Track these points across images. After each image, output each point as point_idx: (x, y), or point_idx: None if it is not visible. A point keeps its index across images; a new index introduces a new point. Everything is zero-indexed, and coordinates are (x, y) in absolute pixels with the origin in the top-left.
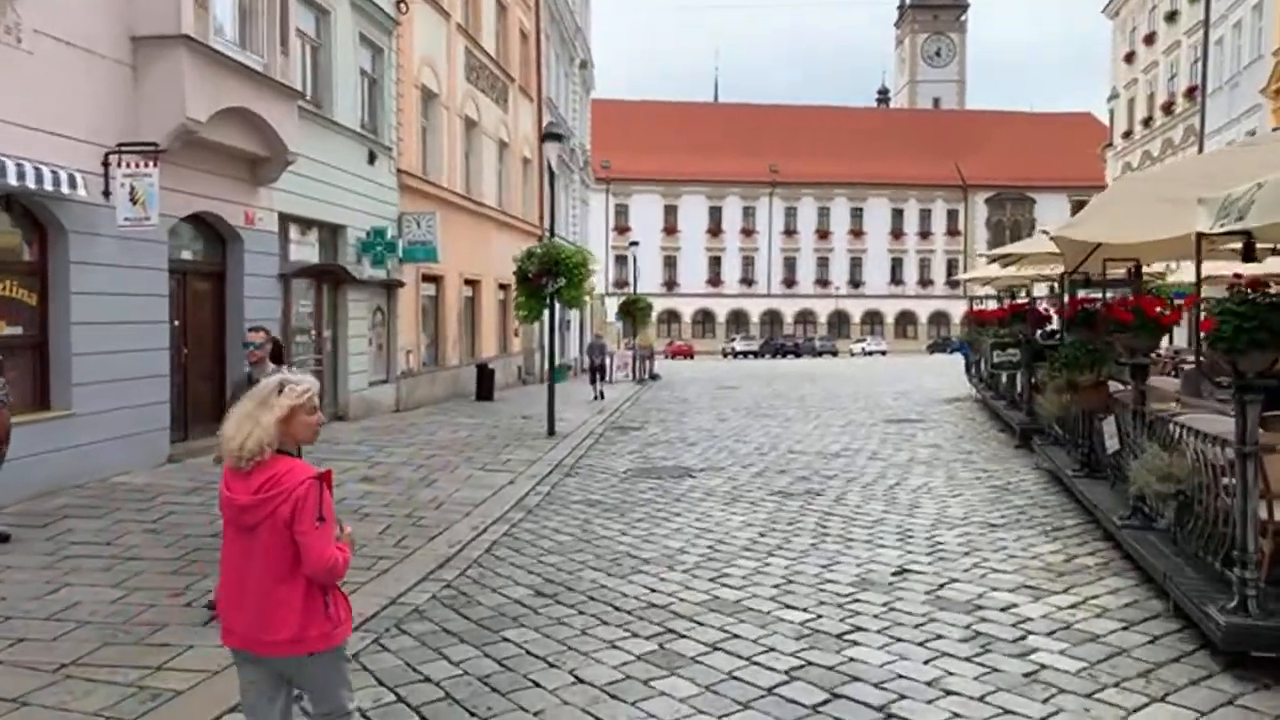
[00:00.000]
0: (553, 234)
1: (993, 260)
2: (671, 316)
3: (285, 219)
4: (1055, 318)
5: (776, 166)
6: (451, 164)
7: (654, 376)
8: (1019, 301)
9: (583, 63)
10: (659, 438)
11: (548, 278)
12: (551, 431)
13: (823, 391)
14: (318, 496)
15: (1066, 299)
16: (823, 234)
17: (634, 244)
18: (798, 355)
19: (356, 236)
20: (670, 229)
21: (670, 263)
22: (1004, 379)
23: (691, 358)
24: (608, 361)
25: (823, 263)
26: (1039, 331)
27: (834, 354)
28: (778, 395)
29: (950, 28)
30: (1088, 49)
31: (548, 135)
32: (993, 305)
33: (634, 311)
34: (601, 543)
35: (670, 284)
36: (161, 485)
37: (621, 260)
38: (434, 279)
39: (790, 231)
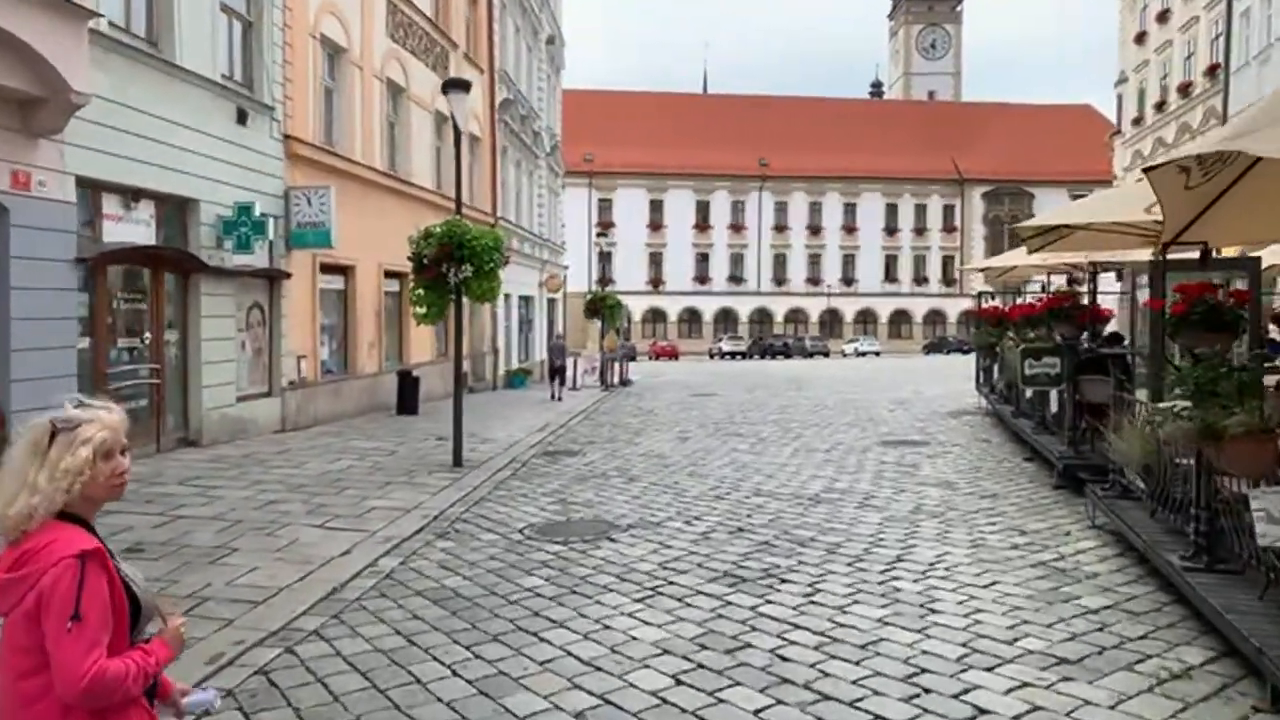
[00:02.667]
0: (460, 210)
1: (1028, 236)
2: (656, 315)
3: (94, 186)
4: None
5: (766, 160)
6: (368, 135)
7: (625, 382)
8: (1058, 293)
9: (550, 38)
10: (595, 469)
11: (449, 264)
12: (458, 461)
13: (809, 400)
14: (73, 586)
15: (1132, 285)
16: (814, 230)
17: (602, 234)
18: (788, 356)
19: (217, 214)
20: (655, 224)
21: (655, 260)
22: (1028, 393)
23: (676, 359)
24: (570, 364)
25: (814, 260)
26: (1090, 334)
27: (826, 354)
28: (757, 405)
29: (946, 19)
30: (1087, 40)
31: (450, 84)
32: (992, 304)
33: (602, 309)
34: (399, 695)
35: (656, 282)
36: None
37: (605, 257)
38: (340, 270)
39: (781, 227)
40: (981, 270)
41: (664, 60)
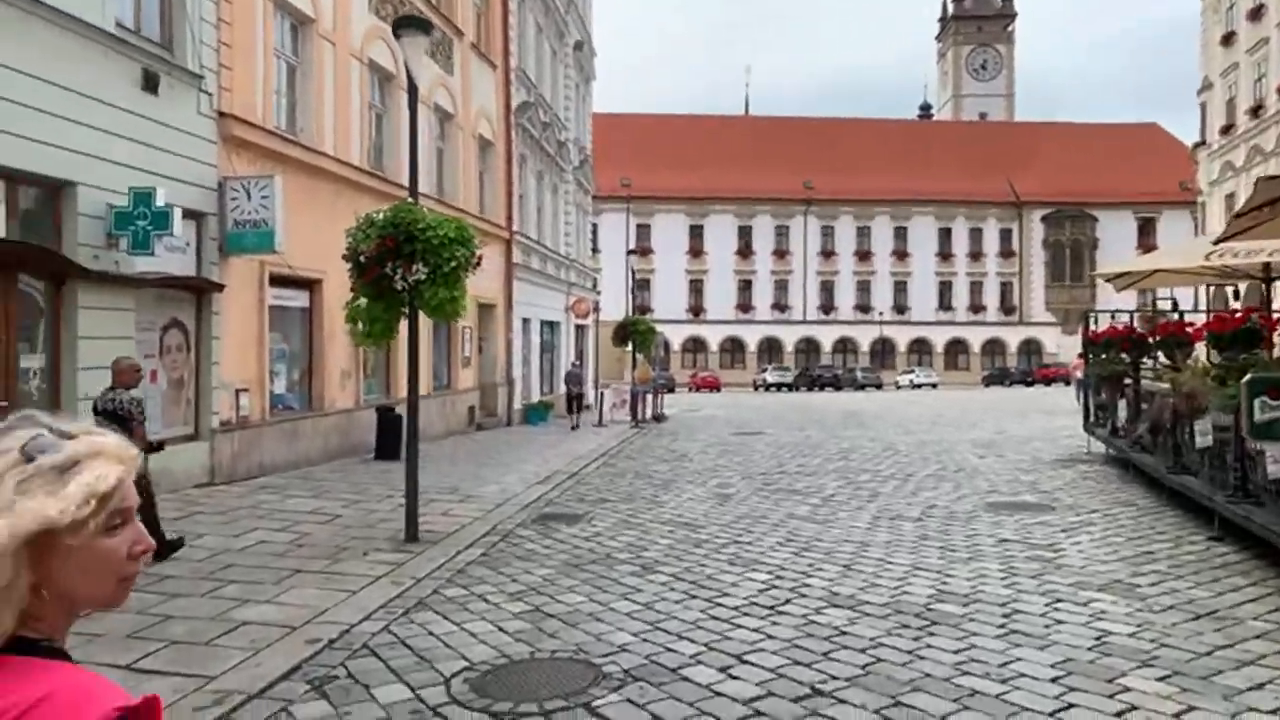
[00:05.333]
0: (415, 196)
1: (1244, 212)
2: (697, 345)
3: None
4: None
5: (812, 183)
6: (344, 125)
7: (659, 417)
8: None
9: (578, 44)
10: (599, 546)
11: (396, 263)
12: (412, 535)
13: (875, 442)
14: None
15: None
16: (863, 255)
17: (633, 252)
18: (838, 388)
19: (107, 203)
20: (696, 250)
21: (696, 287)
22: (1201, 441)
23: (718, 390)
24: (598, 397)
25: (863, 286)
26: None
27: (879, 386)
28: (813, 447)
29: (996, 39)
30: (1151, 58)
31: (403, 23)
32: (1052, 331)
33: (632, 336)
34: None
35: (696, 310)
36: None
37: (644, 284)
38: (301, 284)
39: (828, 253)
40: (1116, 276)
41: (705, 85)
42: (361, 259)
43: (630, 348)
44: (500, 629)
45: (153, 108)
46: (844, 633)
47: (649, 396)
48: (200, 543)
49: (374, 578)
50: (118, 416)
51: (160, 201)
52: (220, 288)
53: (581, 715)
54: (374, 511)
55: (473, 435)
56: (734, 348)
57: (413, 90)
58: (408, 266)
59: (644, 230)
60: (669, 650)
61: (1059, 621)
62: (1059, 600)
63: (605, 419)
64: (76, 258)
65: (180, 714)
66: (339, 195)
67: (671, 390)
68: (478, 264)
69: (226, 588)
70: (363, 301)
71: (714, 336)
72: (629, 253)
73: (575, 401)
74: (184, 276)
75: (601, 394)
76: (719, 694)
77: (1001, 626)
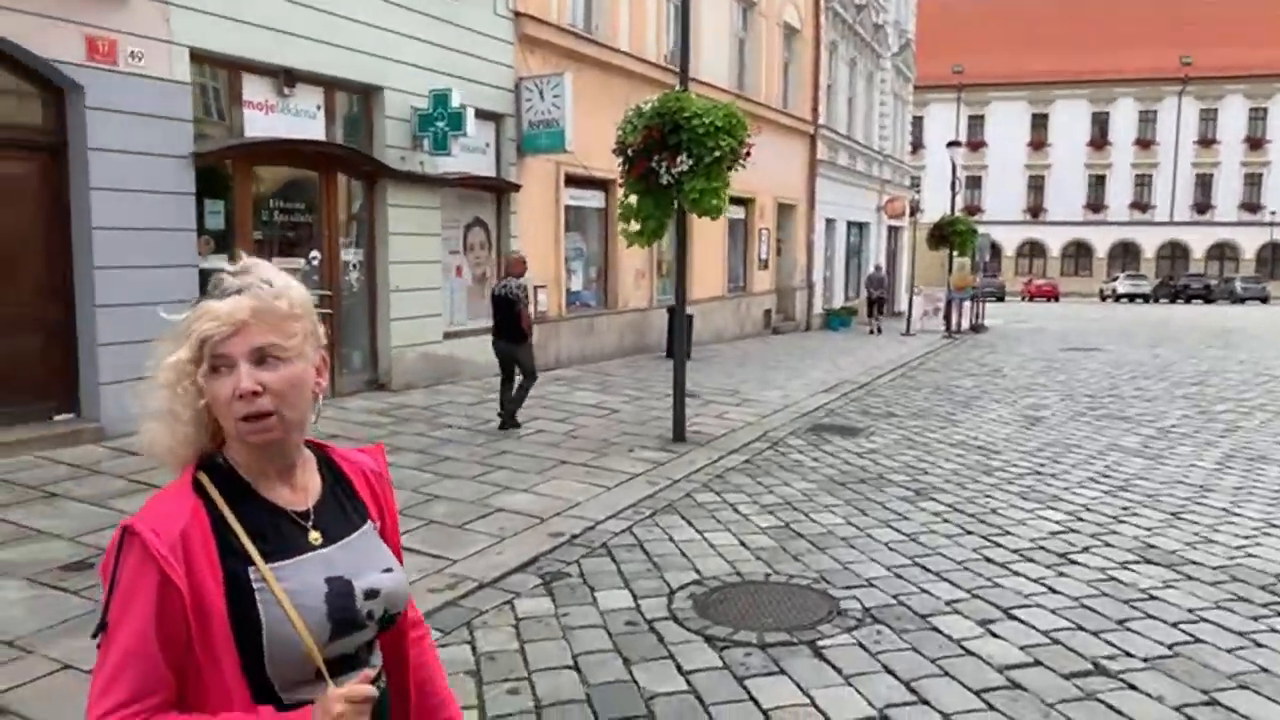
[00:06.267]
0: (685, 83)
1: None
2: (1034, 249)
3: (227, 65)
4: None
5: (1190, 58)
6: (639, 19)
7: (977, 327)
8: None
9: None
10: (871, 464)
11: (661, 156)
12: (679, 435)
13: (1244, 366)
14: (107, 577)
15: None
16: (1255, 143)
17: (953, 144)
18: (1208, 300)
19: (411, 106)
20: (1038, 143)
21: (1036, 184)
22: None
23: (1056, 300)
24: (901, 298)
25: (1252, 180)
26: None
27: (1264, 300)
28: (1160, 370)
29: None
30: None
31: None
32: None
33: (950, 238)
34: None
35: (1035, 210)
36: None
37: (975, 182)
38: (596, 184)
39: (1206, 141)
40: None
41: None
42: (629, 152)
43: (948, 251)
44: (742, 543)
45: (451, 10)
46: (1152, 598)
47: (966, 304)
48: (485, 429)
49: (632, 475)
50: (508, 300)
51: (455, 102)
52: (517, 188)
53: (802, 655)
54: (651, 409)
55: (767, 339)
56: (1079, 253)
57: None
58: (672, 159)
59: (976, 122)
60: (923, 592)
61: None
62: None
63: (914, 327)
64: (385, 159)
65: (415, 593)
66: (634, 93)
67: (1000, 299)
68: (746, 155)
69: (495, 474)
70: (633, 199)
71: (1055, 240)
72: (950, 144)
73: (876, 306)
74: (483, 176)
75: (912, 300)
76: (971, 654)
77: None
